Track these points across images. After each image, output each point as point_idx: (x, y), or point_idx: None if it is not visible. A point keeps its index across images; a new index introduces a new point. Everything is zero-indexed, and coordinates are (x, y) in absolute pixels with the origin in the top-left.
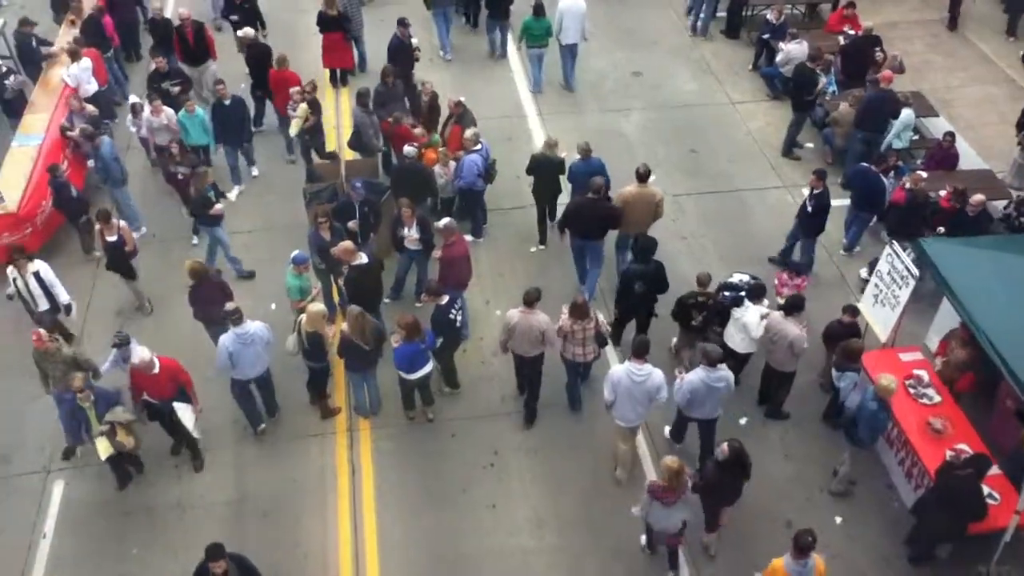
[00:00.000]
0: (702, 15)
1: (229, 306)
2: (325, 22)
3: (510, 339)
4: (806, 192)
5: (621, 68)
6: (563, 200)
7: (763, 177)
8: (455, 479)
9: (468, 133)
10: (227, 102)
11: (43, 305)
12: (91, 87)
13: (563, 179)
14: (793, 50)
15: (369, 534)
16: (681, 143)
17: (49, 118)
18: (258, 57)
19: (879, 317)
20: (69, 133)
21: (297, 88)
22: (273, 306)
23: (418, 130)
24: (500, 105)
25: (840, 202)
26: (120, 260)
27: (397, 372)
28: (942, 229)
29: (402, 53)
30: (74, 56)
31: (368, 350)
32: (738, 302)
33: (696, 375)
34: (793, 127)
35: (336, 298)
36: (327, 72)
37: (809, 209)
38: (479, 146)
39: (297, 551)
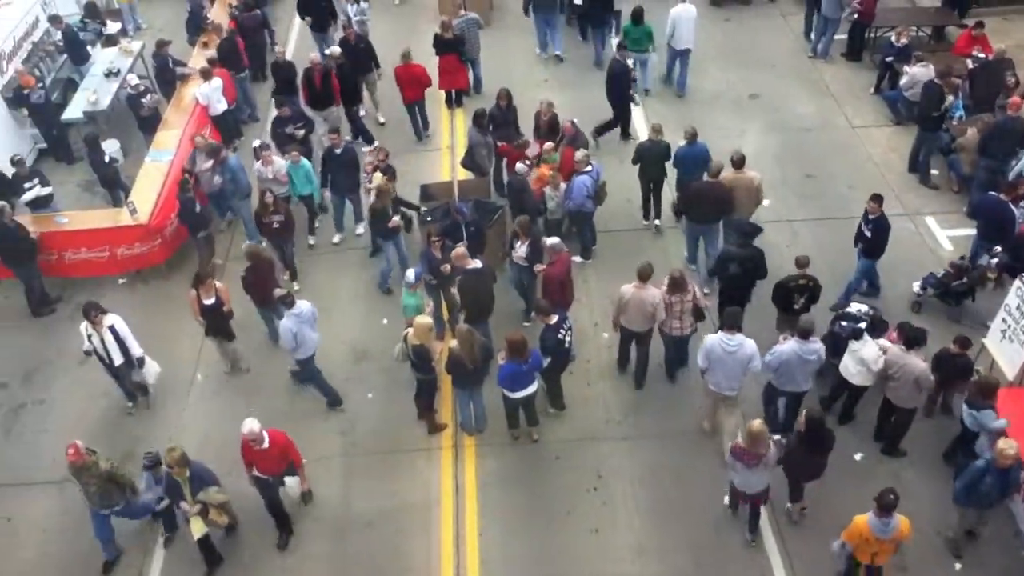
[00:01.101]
0: (823, 37)
1: (278, 292)
2: (441, 45)
3: (622, 314)
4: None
5: (737, 89)
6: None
7: (884, 204)
8: (558, 501)
9: (579, 155)
10: (338, 151)
11: (118, 359)
12: (220, 106)
13: (667, 165)
14: (918, 73)
15: (471, 552)
16: (798, 167)
17: (181, 134)
18: (343, 77)
19: (1007, 353)
20: (192, 172)
21: (370, 159)
22: (385, 321)
23: (548, 144)
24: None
25: (965, 232)
26: (220, 323)
27: (501, 390)
28: None
29: (623, 77)
30: (206, 76)
31: (475, 368)
32: (856, 334)
33: (789, 346)
34: (918, 145)
35: (445, 315)
36: (443, 93)
37: (868, 233)
38: (590, 167)
39: (399, 565)
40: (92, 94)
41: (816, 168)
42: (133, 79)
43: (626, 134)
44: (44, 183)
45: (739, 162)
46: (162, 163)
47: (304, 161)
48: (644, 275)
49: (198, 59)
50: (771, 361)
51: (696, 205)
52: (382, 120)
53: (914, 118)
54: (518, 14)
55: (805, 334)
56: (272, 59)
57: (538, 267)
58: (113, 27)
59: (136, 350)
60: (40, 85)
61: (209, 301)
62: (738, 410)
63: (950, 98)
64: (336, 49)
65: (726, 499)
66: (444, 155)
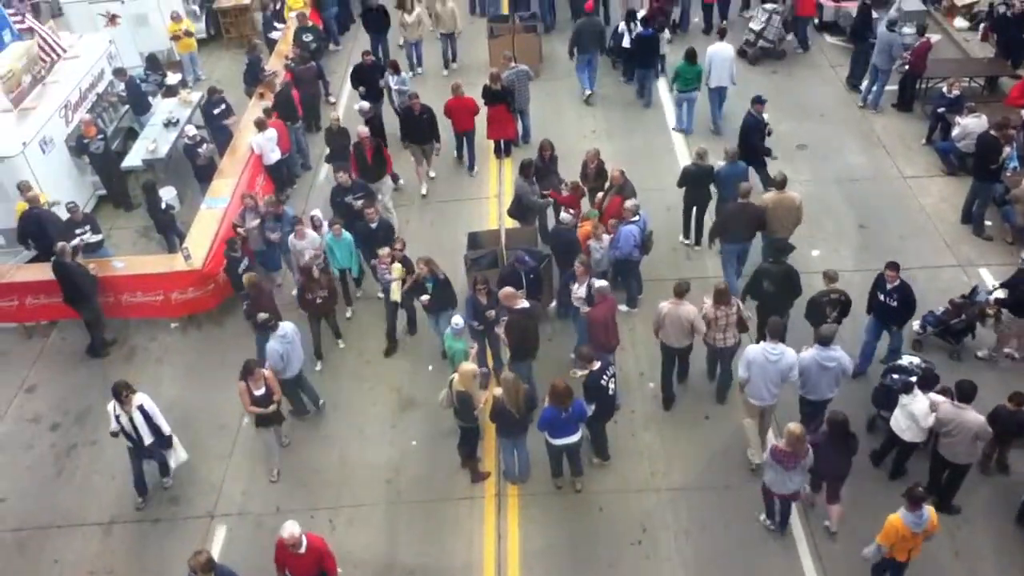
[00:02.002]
0: (874, 87)
1: (261, 316)
2: (490, 96)
3: (661, 328)
4: (889, 286)
5: (786, 140)
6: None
7: (937, 255)
8: (601, 554)
9: (628, 204)
10: (373, 225)
11: (148, 439)
12: (274, 155)
13: (712, 188)
14: (971, 124)
15: None
16: (849, 218)
17: (236, 182)
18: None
19: None
20: (239, 230)
21: (385, 249)
22: (430, 367)
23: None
24: (661, 175)
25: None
26: (271, 415)
27: (544, 437)
28: None
29: (755, 131)
30: (261, 126)
31: (519, 417)
32: (907, 387)
33: (808, 354)
34: (972, 196)
35: (491, 362)
36: (492, 143)
37: (893, 303)
38: (637, 217)
39: None
40: (151, 143)
41: (868, 219)
42: (191, 130)
43: (769, 186)
44: (95, 230)
45: (781, 183)
46: (217, 210)
47: (346, 234)
48: (679, 291)
49: (254, 110)
50: (796, 368)
51: (730, 227)
52: (432, 174)
53: (967, 169)
54: (568, 66)
55: (825, 341)
56: (327, 124)
57: (584, 308)
58: (174, 78)
59: (166, 428)
60: (100, 136)
61: (260, 392)
62: (759, 418)
63: (1007, 149)
64: (365, 105)
65: (762, 516)
66: (492, 203)
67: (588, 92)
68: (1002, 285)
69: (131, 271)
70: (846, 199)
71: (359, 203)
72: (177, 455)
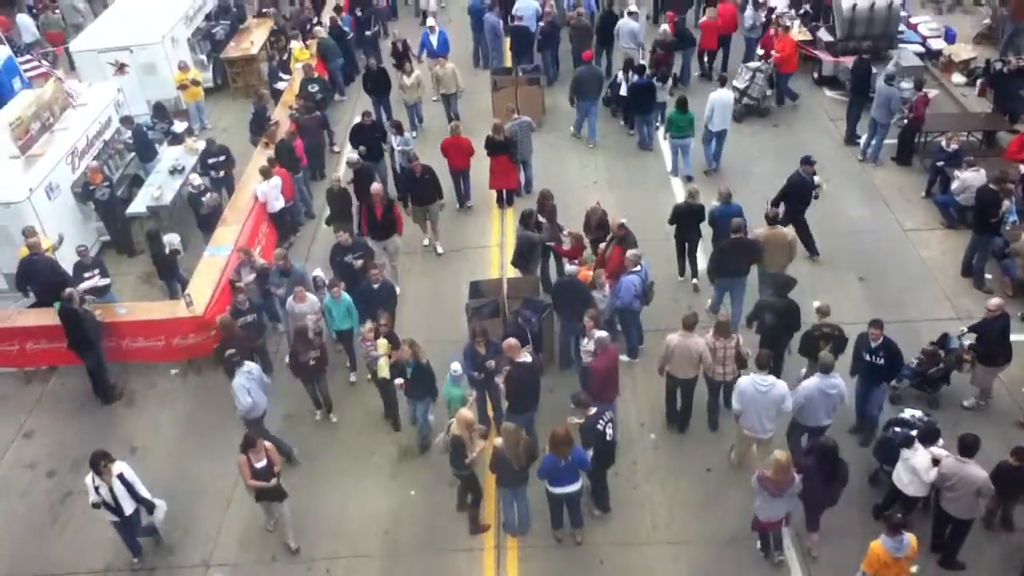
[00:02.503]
0: (873, 141)
1: (229, 351)
2: (493, 146)
3: (668, 362)
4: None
5: None
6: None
7: (937, 307)
8: None
9: (629, 254)
10: (376, 286)
11: (129, 508)
12: (278, 203)
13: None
14: (970, 178)
15: None
16: (850, 270)
17: (239, 230)
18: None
19: None
20: (237, 285)
21: (369, 325)
22: (431, 417)
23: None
24: (663, 225)
25: (1022, 337)
26: (273, 490)
27: (544, 487)
28: None
29: (803, 190)
30: (266, 175)
31: (520, 468)
32: (908, 441)
33: (811, 382)
34: (971, 250)
35: (491, 412)
36: (494, 193)
37: (880, 361)
38: (639, 267)
39: None
40: (156, 190)
41: (868, 271)
42: (195, 179)
43: (812, 250)
44: (104, 274)
45: (773, 219)
46: (219, 257)
47: (345, 296)
48: (689, 323)
49: (259, 158)
50: (797, 398)
51: (724, 262)
52: (440, 251)
53: (966, 222)
54: (570, 117)
55: (826, 369)
56: (328, 184)
57: (587, 358)
58: (180, 126)
59: (145, 493)
60: (106, 183)
61: (261, 464)
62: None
63: (1006, 203)
64: (354, 156)
65: (758, 544)
66: (494, 252)
67: (592, 143)
68: (971, 329)
69: (133, 317)
70: (846, 251)
71: (358, 263)
72: (158, 513)
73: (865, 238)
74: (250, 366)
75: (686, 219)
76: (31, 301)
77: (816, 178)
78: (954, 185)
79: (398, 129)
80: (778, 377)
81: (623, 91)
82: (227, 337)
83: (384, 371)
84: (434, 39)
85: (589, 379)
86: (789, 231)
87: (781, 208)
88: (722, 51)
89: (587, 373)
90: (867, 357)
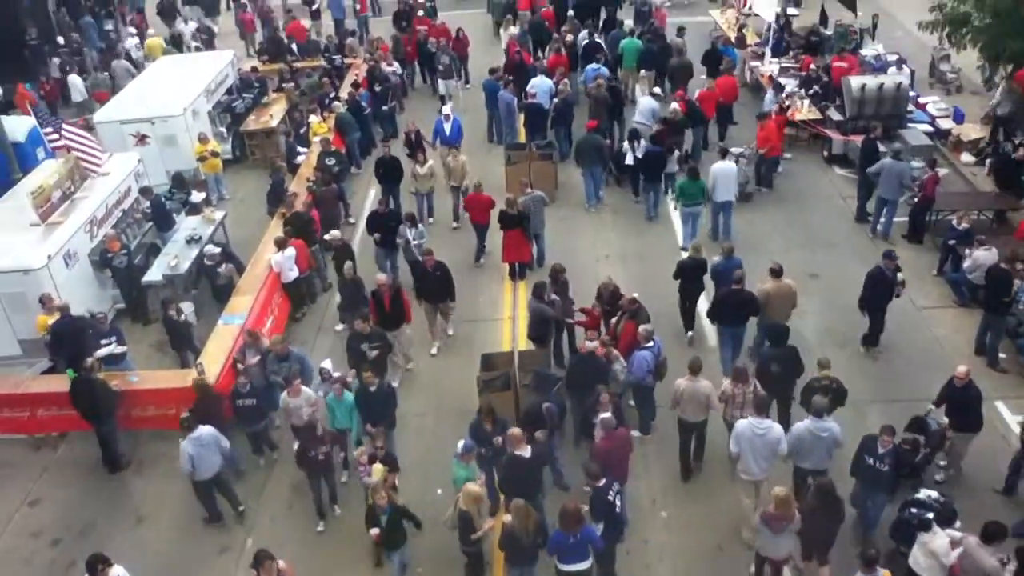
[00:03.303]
0: (882, 218)
1: (183, 416)
2: (506, 220)
3: (678, 405)
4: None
5: (798, 268)
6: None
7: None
8: None
9: (641, 329)
10: (372, 388)
11: None
12: (292, 274)
13: (706, 278)
14: (981, 256)
15: None
16: (862, 349)
17: (253, 299)
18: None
19: None
20: (239, 366)
21: (362, 448)
22: (439, 491)
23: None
24: (675, 300)
25: None
26: None
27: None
28: None
29: (882, 284)
30: (281, 246)
31: (529, 545)
32: (925, 524)
33: (803, 425)
34: (984, 328)
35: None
36: (507, 266)
37: (884, 468)
38: (651, 343)
39: None
40: (173, 259)
41: (882, 349)
42: (211, 249)
43: (874, 340)
44: (120, 342)
45: (778, 272)
46: (233, 326)
47: (347, 394)
48: (695, 368)
49: (276, 229)
50: (789, 440)
51: (723, 310)
52: (451, 331)
53: (979, 301)
54: (582, 192)
55: (818, 413)
56: (340, 277)
57: (598, 434)
58: (198, 196)
59: None
60: (124, 251)
61: None
62: (755, 495)
63: (1018, 282)
64: (337, 233)
65: (751, 568)
66: (506, 325)
67: (590, 206)
68: (940, 400)
69: (145, 385)
70: (859, 329)
71: (374, 353)
72: None
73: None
74: (201, 432)
75: (690, 273)
76: (45, 367)
77: (900, 275)
78: (966, 264)
79: (412, 222)
80: (787, 424)
81: (628, 160)
82: (197, 398)
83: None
84: (448, 127)
85: (595, 457)
86: (792, 283)
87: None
88: (719, 123)
89: (592, 456)
90: (870, 461)
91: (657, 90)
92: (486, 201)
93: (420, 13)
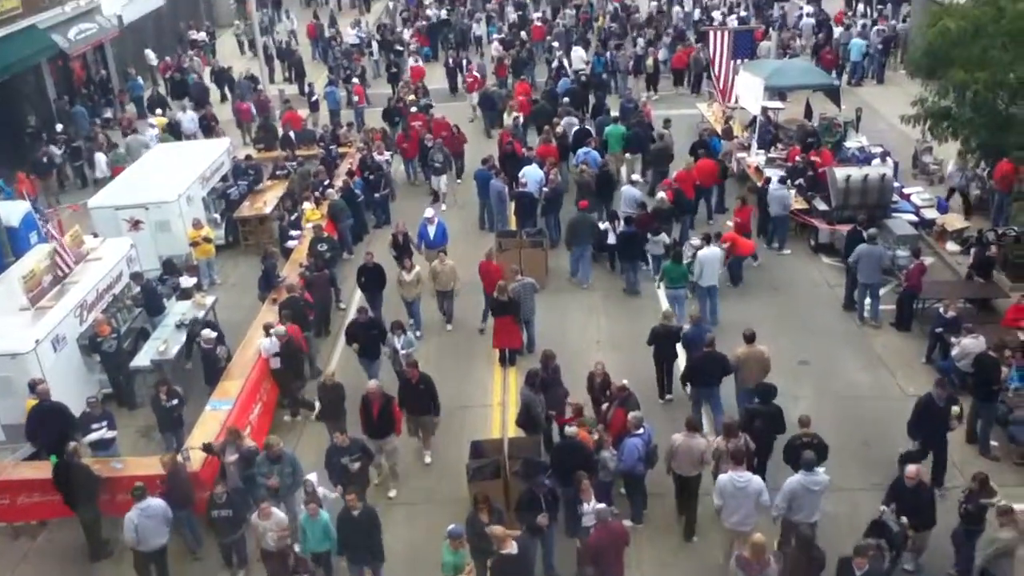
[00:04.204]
0: (867, 303)
1: (137, 484)
2: (497, 307)
3: (673, 460)
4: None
5: (787, 356)
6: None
7: (945, 476)
8: None
9: (630, 417)
10: (355, 512)
11: None
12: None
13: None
14: (969, 344)
15: None
16: (853, 435)
17: (241, 385)
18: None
19: None
20: (226, 460)
21: None
22: None
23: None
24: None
25: None
26: None
27: None
28: None
29: (933, 415)
30: (270, 330)
31: None
32: None
33: (796, 479)
34: (975, 416)
35: None
36: (497, 352)
37: None
38: (642, 430)
39: None
40: (162, 344)
41: (873, 436)
42: (207, 333)
43: (939, 480)
44: (111, 427)
45: (750, 338)
46: (220, 412)
47: (323, 514)
48: (691, 425)
49: (266, 314)
50: (783, 495)
51: (696, 374)
52: (428, 460)
53: (969, 389)
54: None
55: (809, 466)
56: (320, 381)
57: (589, 520)
58: (189, 281)
59: None
60: (114, 335)
61: None
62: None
63: (1006, 370)
64: (280, 329)
65: None
66: (496, 412)
67: (584, 285)
68: (887, 503)
69: (129, 472)
70: (850, 416)
71: (355, 466)
72: None
73: (868, 403)
74: (150, 502)
75: (663, 340)
76: (28, 452)
77: (955, 408)
78: (954, 352)
79: (400, 329)
80: (764, 476)
81: (610, 239)
82: (172, 476)
83: None
84: (432, 230)
85: (590, 554)
86: (765, 348)
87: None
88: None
89: (584, 550)
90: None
91: (637, 177)
92: (495, 270)
93: (413, 109)
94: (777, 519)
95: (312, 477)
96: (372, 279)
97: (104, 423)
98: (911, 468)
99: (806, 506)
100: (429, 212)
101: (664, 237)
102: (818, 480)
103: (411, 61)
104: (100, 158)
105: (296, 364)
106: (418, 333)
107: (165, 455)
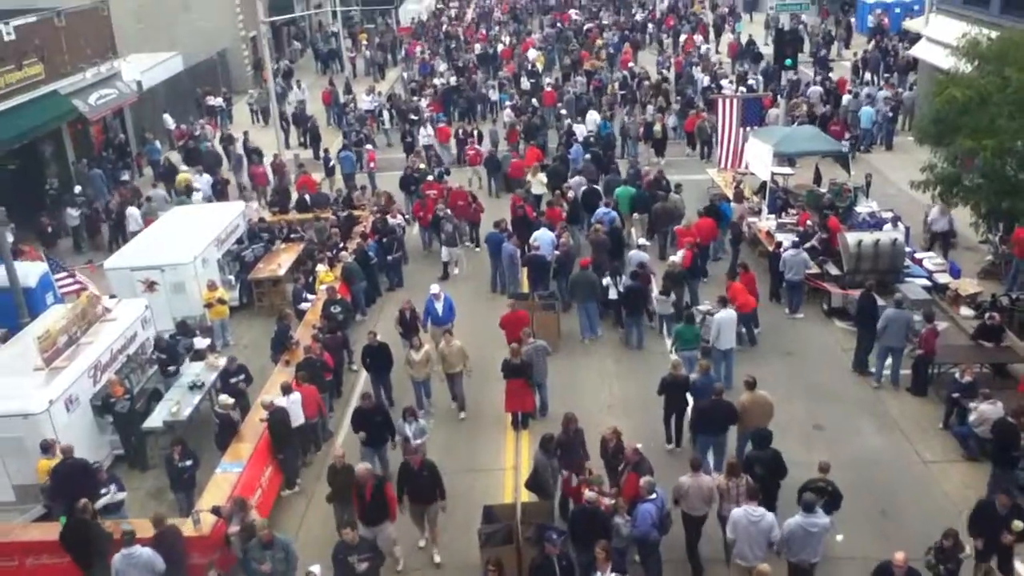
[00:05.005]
0: (887, 367)
1: (125, 526)
2: (510, 370)
3: (683, 500)
4: None
5: (802, 421)
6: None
7: (965, 544)
8: None
9: (643, 482)
10: None
11: None
12: (297, 420)
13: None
14: (986, 410)
15: None
16: (871, 503)
17: (253, 448)
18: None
19: None
20: (229, 530)
21: None
22: None
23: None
24: (679, 452)
25: None
26: None
27: None
28: None
29: (991, 520)
30: (286, 390)
31: None
32: None
33: (795, 520)
34: (994, 483)
35: None
36: (509, 416)
37: None
38: (654, 495)
39: None
40: (175, 405)
41: (890, 504)
42: (225, 399)
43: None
44: (120, 488)
45: (752, 384)
46: (231, 474)
47: None
48: (696, 465)
49: (280, 376)
50: (783, 532)
51: (703, 421)
52: (438, 560)
53: (987, 455)
54: (586, 345)
55: (809, 508)
56: (329, 463)
57: None
58: (202, 342)
59: None
60: (127, 396)
61: None
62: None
63: None
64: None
65: None
66: (508, 475)
67: (586, 338)
68: None
69: (140, 533)
70: (866, 483)
71: (364, 565)
72: None
73: (885, 469)
74: (134, 550)
75: (672, 389)
76: (38, 513)
77: (1018, 523)
78: (971, 417)
79: (412, 416)
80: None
81: (612, 294)
82: (160, 536)
83: None
84: (439, 306)
85: None
86: (767, 394)
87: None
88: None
89: None
90: None
91: (644, 241)
92: (523, 317)
93: (429, 178)
94: (780, 555)
95: (316, 570)
96: (378, 359)
97: (112, 486)
98: (899, 555)
99: (806, 546)
100: (435, 288)
101: (672, 297)
102: (817, 522)
103: (426, 129)
104: (133, 212)
105: (283, 433)
106: (431, 421)
107: (155, 513)
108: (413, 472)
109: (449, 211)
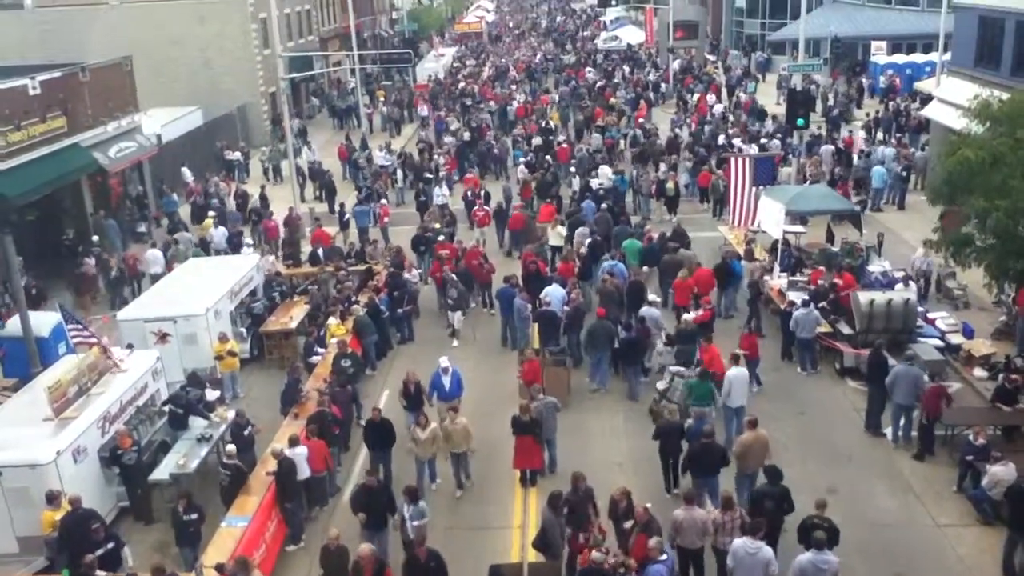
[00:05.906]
0: (901, 426)
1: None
2: (519, 426)
3: (679, 534)
4: None
5: (815, 482)
6: None
7: None
8: None
9: (652, 542)
10: None
11: None
12: (304, 473)
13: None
14: (999, 472)
15: None
16: (884, 567)
17: (259, 502)
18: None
19: None
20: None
21: None
22: None
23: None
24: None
25: None
26: None
27: None
28: None
29: None
30: (293, 443)
31: None
32: None
33: (806, 557)
34: (1010, 547)
35: None
36: (518, 472)
37: None
38: (664, 556)
39: None
40: (182, 457)
41: (904, 568)
42: (231, 449)
43: None
44: (118, 545)
45: (753, 423)
46: (236, 528)
47: None
48: (689, 498)
49: (288, 429)
50: (794, 569)
51: (696, 464)
52: None
53: (1003, 518)
54: (595, 400)
55: (819, 546)
56: (323, 544)
57: None
58: (212, 394)
59: None
60: (135, 448)
61: None
62: None
63: None
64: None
65: None
66: (515, 534)
67: (593, 388)
68: None
69: None
70: (880, 547)
71: None
72: None
73: (898, 532)
74: None
75: (667, 435)
76: (41, 565)
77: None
78: (985, 480)
79: (412, 497)
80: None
81: (615, 344)
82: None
83: None
84: (447, 380)
85: None
86: (764, 432)
87: None
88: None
89: None
90: None
91: (654, 297)
92: (536, 367)
93: (440, 238)
94: None
95: None
96: (380, 437)
97: (111, 544)
98: None
99: None
100: (444, 362)
101: (674, 348)
102: (827, 559)
103: (441, 188)
104: (157, 255)
105: (290, 486)
106: (433, 487)
107: (154, 564)
108: (420, 566)
109: (455, 276)
